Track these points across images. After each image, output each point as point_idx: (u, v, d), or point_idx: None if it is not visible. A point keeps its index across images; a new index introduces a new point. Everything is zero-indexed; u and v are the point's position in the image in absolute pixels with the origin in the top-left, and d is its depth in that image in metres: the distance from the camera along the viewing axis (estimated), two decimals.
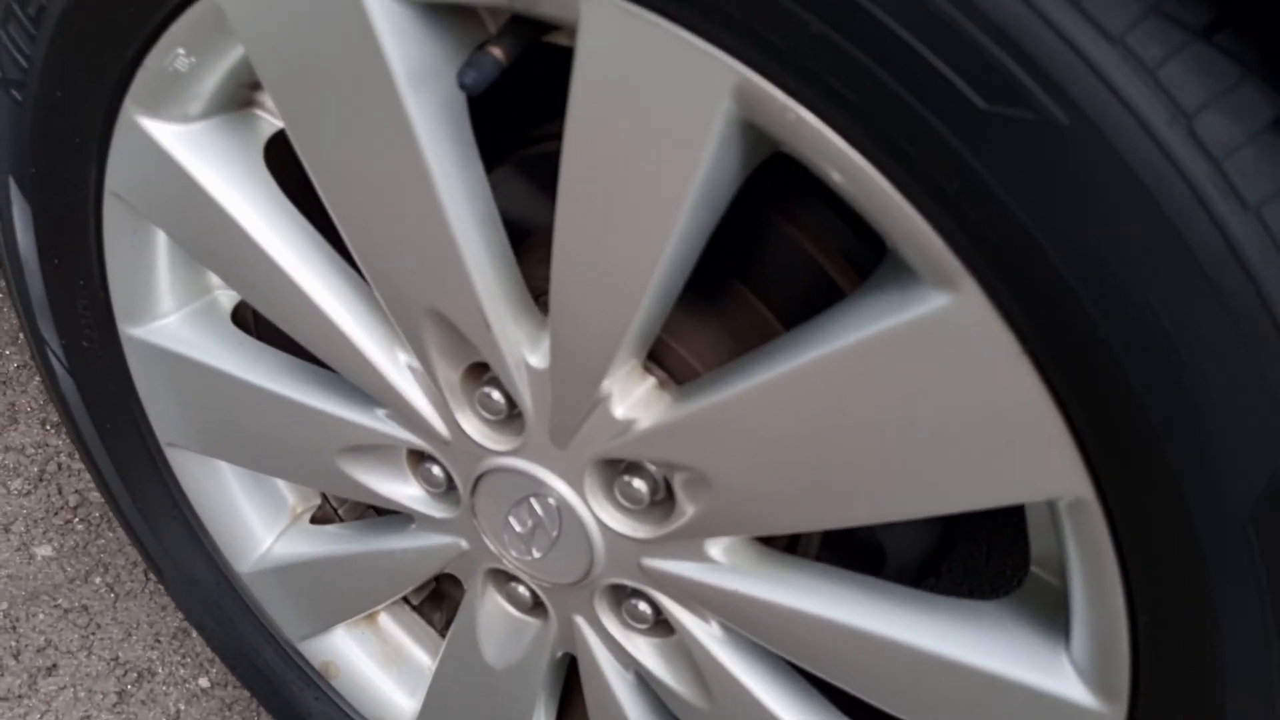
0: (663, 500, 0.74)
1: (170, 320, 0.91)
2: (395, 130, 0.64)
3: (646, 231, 0.60)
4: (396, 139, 0.64)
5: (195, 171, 0.77)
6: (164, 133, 0.77)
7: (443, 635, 1.06)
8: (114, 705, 1.24)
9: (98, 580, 1.35)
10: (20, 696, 1.24)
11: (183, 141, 0.77)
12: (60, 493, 1.43)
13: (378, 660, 1.07)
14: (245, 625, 1.07)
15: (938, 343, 0.54)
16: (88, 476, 1.44)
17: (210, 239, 0.80)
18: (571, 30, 0.57)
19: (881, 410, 0.58)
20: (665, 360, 0.73)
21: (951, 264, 0.51)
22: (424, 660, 1.06)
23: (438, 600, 1.09)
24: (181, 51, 0.71)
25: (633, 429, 0.70)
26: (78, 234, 0.86)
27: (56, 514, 1.41)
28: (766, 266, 0.74)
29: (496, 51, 0.60)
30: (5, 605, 1.31)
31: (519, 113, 0.80)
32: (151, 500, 1.03)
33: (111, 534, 1.39)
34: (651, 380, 0.71)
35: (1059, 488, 0.55)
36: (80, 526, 1.40)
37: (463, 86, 0.60)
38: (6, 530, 1.38)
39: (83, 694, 1.24)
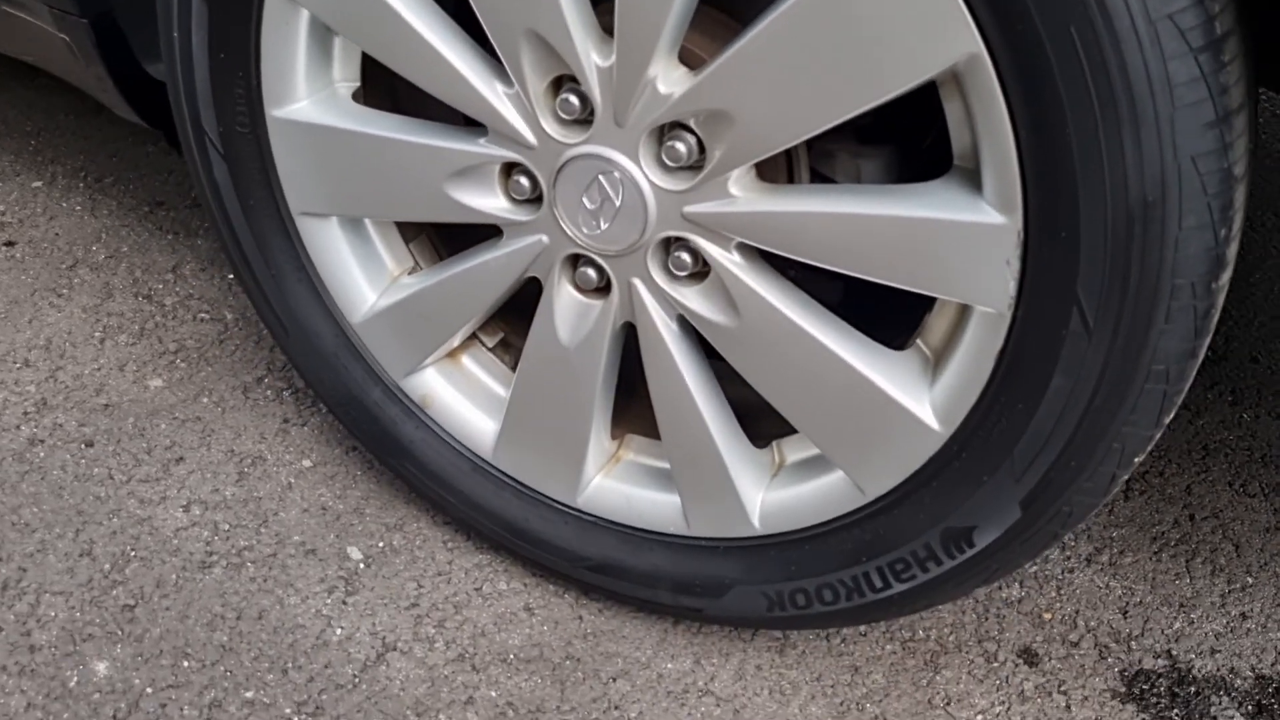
0: (696, 162, 1.05)
1: (304, 103, 1.21)
2: None
3: None
4: None
5: None
6: None
7: (513, 369, 1.35)
8: (236, 481, 1.51)
9: (205, 400, 1.62)
10: (158, 479, 1.50)
11: None
12: (160, 341, 1.70)
13: (463, 392, 1.36)
14: (357, 371, 1.35)
15: None
16: (183, 330, 1.72)
17: (359, 12, 1.10)
18: None
19: (837, 30, 0.90)
20: (688, 59, 1.04)
21: None
22: (498, 390, 1.35)
23: (506, 346, 1.38)
24: None
25: (672, 98, 1.01)
26: (242, 27, 1.15)
27: (160, 357, 1.68)
28: None
29: None
30: (132, 419, 1.58)
31: None
32: (282, 266, 1.31)
33: (209, 368, 1.66)
34: (683, 68, 1.03)
35: (962, 48, 0.87)
36: (183, 364, 1.67)
37: None
38: (121, 369, 1.65)
39: (209, 475, 1.51)
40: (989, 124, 0.91)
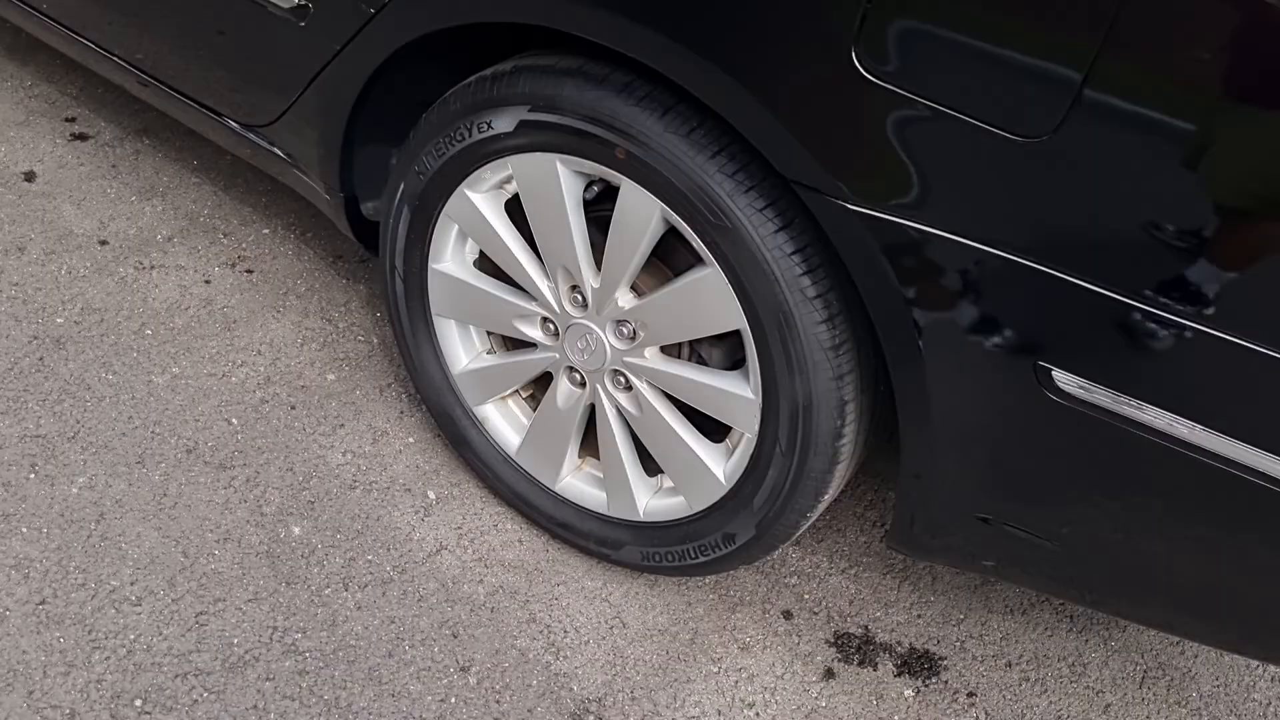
0: (631, 337, 2.19)
1: (447, 263, 2.37)
2: (562, 207, 2.10)
3: (631, 247, 2.06)
4: (561, 208, 2.10)
5: (483, 210, 2.23)
6: (475, 196, 2.23)
7: (533, 410, 2.52)
8: (372, 445, 2.67)
9: (357, 393, 2.78)
10: (328, 435, 2.67)
11: (481, 199, 2.24)
12: (335, 351, 2.86)
13: (505, 418, 2.52)
14: (451, 398, 2.52)
15: (708, 282, 2.00)
16: (347, 345, 2.88)
17: (486, 235, 2.26)
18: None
19: (695, 303, 2.03)
20: (637, 287, 2.18)
21: (708, 255, 1.97)
22: (523, 419, 2.52)
23: (530, 398, 2.54)
24: (486, 171, 2.18)
25: (625, 309, 2.16)
26: (428, 214, 2.32)
27: (333, 361, 2.84)
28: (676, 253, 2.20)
29: (596, 187, 2.07)
30: (317, 397, 2.74)
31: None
32: (419, 335, 2.48)
33: (361, 373, 2.82)
34: (632, 293, 2.17)
35: (736, 320, 2.00)
36: (346, 368, 2.83)
37: (586, 194, 2.06)
38: (312, 365, 2.82)
39: (357, 438, 2.68)
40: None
